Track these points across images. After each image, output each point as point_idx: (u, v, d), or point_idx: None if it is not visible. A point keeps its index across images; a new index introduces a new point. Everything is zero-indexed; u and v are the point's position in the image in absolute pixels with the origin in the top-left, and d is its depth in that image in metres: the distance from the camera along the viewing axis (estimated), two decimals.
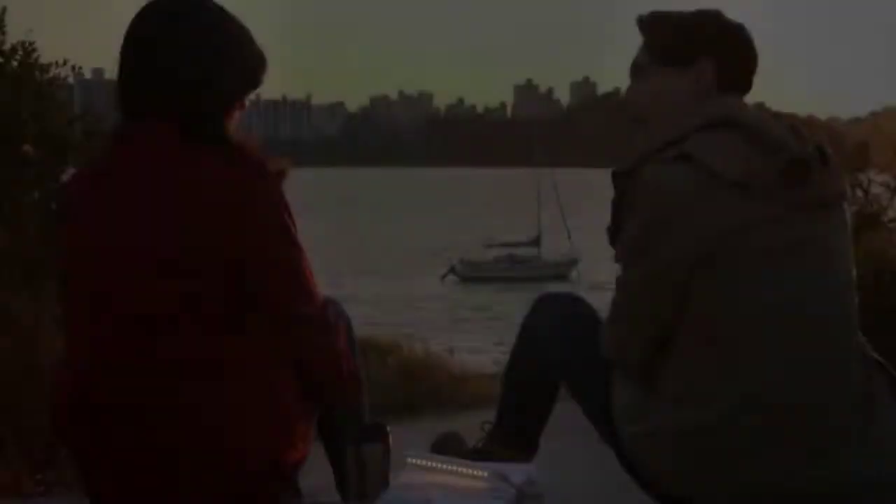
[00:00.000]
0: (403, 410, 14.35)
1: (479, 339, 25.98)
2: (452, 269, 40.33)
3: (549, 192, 44.53)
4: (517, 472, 2.75)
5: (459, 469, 2.77)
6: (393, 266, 45.48)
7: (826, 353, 2.60)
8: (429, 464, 2.81)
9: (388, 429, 2.88)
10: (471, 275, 39.75)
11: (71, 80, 8.80)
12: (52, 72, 7.85)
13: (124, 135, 2.61)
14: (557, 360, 3.01)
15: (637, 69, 2.81)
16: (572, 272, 40.07)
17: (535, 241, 42.24)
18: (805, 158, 2.59)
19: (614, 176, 2.70)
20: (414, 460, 2.83)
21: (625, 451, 2.75)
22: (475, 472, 2.73)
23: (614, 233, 2.70)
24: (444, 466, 2.79)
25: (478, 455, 3.20)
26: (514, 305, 30.79)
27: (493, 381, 16.12)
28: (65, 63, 7.97)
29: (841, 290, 2.66)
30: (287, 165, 2.62)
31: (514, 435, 3.19)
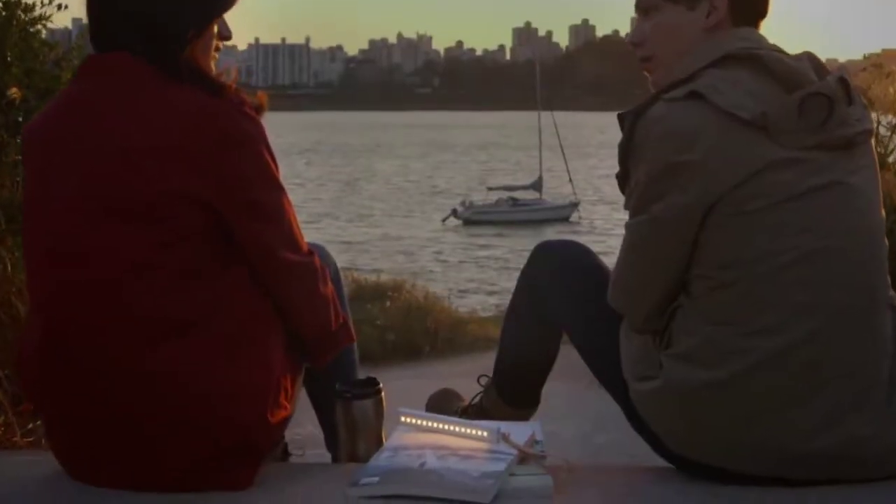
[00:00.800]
0: (403, 353, 14.35)
1: (479, 282, 26.02)
2: (454, 212, 40.29)
3: (550, 135, 44.32)
4: (519, 430, 2.56)
5: (456, 428, 2.58)
6: (393, 209, 45.37)
7: (855, 304, 2.39)
8: (423, 422, 2.62)
9: (381, 384, 2.73)
10: (472, 218, 39.72)
11: (69, 24, 8.68)
12: (38, 10, 7.72)
13: (91, 67, 2.43)
14: (559, 311, 2.84)
15: (644, 6, 2.60)
16: (573, 215, 40.08)
17: (537, 184, 42.24)
18: (828, 94, 2.38)
19: (621, 118, 2.51)
20: (407, 418, 2.64)
21: (632, 409, 2.58)
22: (474, 432, 2.54)
23: (623, 178, 2.51)
24: (440, 426, 2.59)
25: (475, 412, 3.09)
26: (515, 248, 30.80)
27: (493, 323, 16.12)
28: (50, 2, 7.83)
29: (870, 235, 2.44)
30: (265, 101, 2.46)
31: (513, 390, 3.06)
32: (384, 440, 2.70)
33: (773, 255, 2.36)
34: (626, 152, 2.48)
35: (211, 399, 2.36)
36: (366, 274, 19.01)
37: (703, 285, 2.42)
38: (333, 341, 2.63)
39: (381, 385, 2.75)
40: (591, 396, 3.73)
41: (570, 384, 4.17)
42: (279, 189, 2.45)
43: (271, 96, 2.56)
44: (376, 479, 2.36)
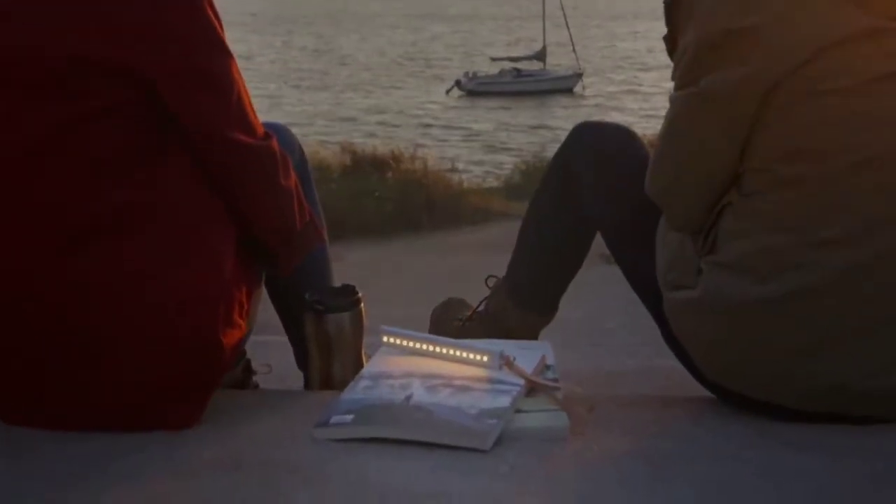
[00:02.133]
0: (402, 225, 14.06)
1: (481, 153, 25.54)
2: (457, 83, 39.67)
3: (554, 6, 43.41)
4: (526, 353, 2.11)
5: (450, 351, 2.11)
6: (395, 79, 44.62)
7: None
8: (410, 343, 2.15)
9: (360, 293, 2.27)
10: (476, 89, 39.11)
11: None
12: None
13: None
14: (595, 204, 2.38)
15: None
16: (577, 85, 39.49)
17: (541, 55, 41.61)
18: None
19: None
20: (391, 338, 2.17)
21: (667, 327, 2.13)
22: (471, 356, 2.08)
23: (671, 42, 2.06)
24: (430, 347, 2.13)
25: (481, 320, 2.65)
26: (518, 119, 30.27)
27: (494, 195, 15.79)
28: None
29: None
30: None
31: (530, 293, 2.59)
32: (364, 361, 2.26)
33: (847, 151, 1.89)
34: (674, 10, 2.01)
35: (146, 318, 1.91)
36: (365, 144, 18.57)
37: (760, 180, 1.94)
38: (299, 244, 2.16)
39: (359, 294, 2.28)
40: (597, 273, 3.25)
41: None
42: (226, 54, 1.96)
43: None
44: (350, 417, 1.92)
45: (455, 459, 1.82)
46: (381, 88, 41.18)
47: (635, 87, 38.90)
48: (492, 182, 18.45)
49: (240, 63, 2.05)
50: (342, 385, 2.13)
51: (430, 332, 2.79)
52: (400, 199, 14.69)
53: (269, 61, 48.19)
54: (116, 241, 1.90)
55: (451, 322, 2.73)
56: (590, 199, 2.39)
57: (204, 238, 1.96)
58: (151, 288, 1.91)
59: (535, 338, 2.64)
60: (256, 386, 2.47)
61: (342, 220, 13.44)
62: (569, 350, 2.79)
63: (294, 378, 2.52)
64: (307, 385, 2.33)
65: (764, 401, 2.00)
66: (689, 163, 2.02)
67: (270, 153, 2.04)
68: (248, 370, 2.44)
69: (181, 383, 1.94)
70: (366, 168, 15.91)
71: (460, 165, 21.33)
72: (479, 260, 9.10)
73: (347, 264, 10.27)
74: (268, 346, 2.65)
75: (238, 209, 2.03)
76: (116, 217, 1.90)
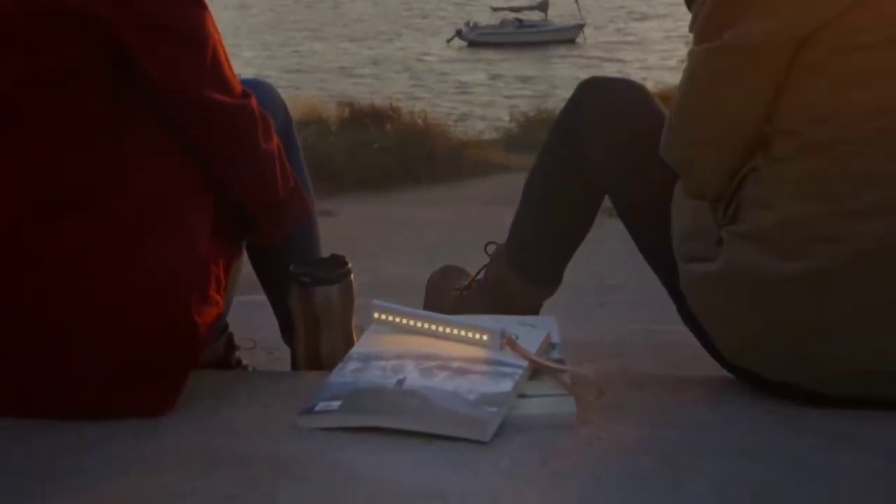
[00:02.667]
0: (401, 178, 13.91)
1: (481, 105, 25.28)
2: (458, 34, 39.31)
3: None
4: (531, 332, 1.94)
5: (447, 329, 1.94)
6: (395, 29, 44.22)
7: None
8: (403, 320, 1.97)
9: (349, 264, 2.09)
10: (477, 39, 38.75)
11: None
12: None
13: None
14: (603, 167, 2.18)
15: None
16: (579, 36, 39.14)
17: (543, 5, 41.26)
18: None
19: None
20: (383, 314, 2.00)
21: (684, 299, 1.96)
22: (470, 334, 1.91)
23: None
24: (425, 325, 1.95)
25: (480, 289, 2.47)
26: (520, 71, 29.95)
27: (494, 147, 15.61)
28: None
29: None
30: None
31: (532, 262, 2.40)
32: (355, 338, 2.09)
33: (886, 111, 1.72)
34: None
35: (112, 298, 1.74)
36: (363, 95, 18.37)
37: (789, 144, 1.77)
38: (283, 214, 1.99)
39: (349, 265, 2.11)
40: (597, 227, 3.07)
41: None
42: (199, 6, 1.78)
43: None
44: (337, 403, 1.75)
45: (452, 452, 1.66)
46: (380, 39, 40.83)
47: (634, 37, 38.56)
48: (492, 134, 18.27)
49: (234, 14, 1.87)
50: (331, 363, 1.97)
51: (426, 300, 2.62)
52: (399, 151, 14.54)
53: (267, 9, 47.69)
54: (82, 215, 1.73)
55: (448, 291, 2.57)
56: (598, 164, 2.21)
57: (176, 209, 1.79)
58: (117, 265, 1.74)
59: (539, 309, 2.47)
60: (239, 362, 2.30)
61: (341, 174, 13.32)
62: (571, 310, 2.62)
63: (282, 350, 2.36)
64: (294, 364, 2.16)
65: (785, 382, 1.84)
66: (709, 124, 1.84)
67: (249, 114, 1.86)
68: (231, 345, 2.27)
69: (151, 367, 1.77)
70: (365, 120, 15.73)
71: (460, 117, 21.13)
72: (480, 213, 8.95)
73: (346, 218, 10.14)
74: (254, 308, 2.48)
75: (213, 174, 1.86)
76: (82, 188, 1.73)
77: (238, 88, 1.85)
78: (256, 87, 2.02)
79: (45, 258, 1.73)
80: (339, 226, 9.54)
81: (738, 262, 1.81)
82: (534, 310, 2.44)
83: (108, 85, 1.73)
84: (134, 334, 1.75)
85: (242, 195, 1.91)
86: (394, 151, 14.60)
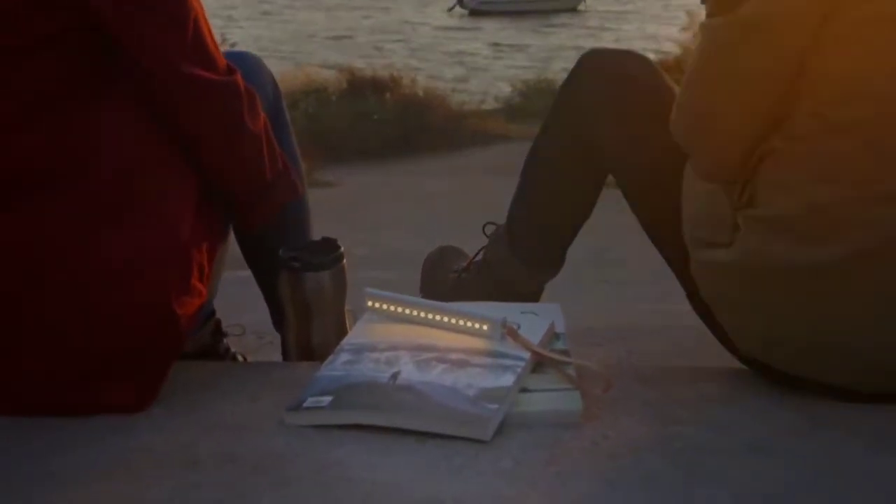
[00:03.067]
0: (400, 147, 13.80)
1: (481, 74, 25.08)
2: (459, 2, 39.03)
3: None
4: (533, 321, 1.82)
5: (444, 318, 1.82)
6: None
7: None
8: (398, 309, 1.85)
9: (342, 248, 1.97)
10: (479, 7, 38.46)
11: None
12: None
13: None
14: (607, 145, 2.07)
15: None
16: (580, 4, 38.85)
17: None
18: None
19: None
20: (376, 302, 1.87)
21: (695, 288, 1.84)
22: (469, 324, 1.79)
23: None
24: (421, 314, 1.83)
25: (478, 272, 2.36)
26: (521, 40, 29.70)
27: (493, 117, 15.50)
28: None
29: None
30: None
31: (533, 245, 2.28)
32: (348, 326, 1.98)
33: None
34: None
35: (83, 286, 1.62)
36: (361, 64, 18.18)
37: (812, 124, 1.64)
38: (270, 197, 1.88)
39: (342, 249, 1.99)
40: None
41: None
42: None
43: None
44: (327, 399, 1.64)
45: (450, 452, 1.55)
46: (378, 8, 40.54)
47: (635, 5, 38.26)
48: (492, 104, 18.11)
49: None
50: (323, 353, 1.86)
51: (423, 281, 2.50)
52: (399, 121, 14.42)
53: None
54: (49, 195, 1.62)
55: (445, 273, 2.45)
56: (602, 141, 2.09)
57: (153, 191, 1.67)
58: (88, 250, 1.63)
59: (540, 292, 2.36)
60: (227, 350, 2.19)
61: (341, 144, 13.21)
62: (571, 289, 2.51)
63: (274, 334, 2.25)
64: (284, 353, 2.05)
65: (805, 376, 1.74)
66: (724, 101, 1.71)
67: (234, 90, 1.74)
68: (219, 333, 2.16)
69: (128, 361, 1.66)
70: (364, 90, 15.58)
71: (460, 87, 20.94)
72: (480, 183, 8.84)
73: (346, 189, 10.03)
74: (243, 285, 2.36)
75: (195, 155, 1.74)
76: (49, 167, 1.62)
77: (222, 63, 1.73)
78: (242, 60, 1.90)
79: (6, 241, 1.61)
80: (339, 197, 9.45)
81: (757, 248, 1.69)
82: (535, 293, 2.33)
83: (79, 59, 1.62)
84: (105, 327, 1.63)
85: (226, 178, 1.80)
86: (393, 122, 14.49)
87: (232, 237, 2.01)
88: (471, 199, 7.40)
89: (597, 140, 2.10)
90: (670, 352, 2.53)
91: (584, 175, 2.19)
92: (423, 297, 2.48)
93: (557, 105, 2.21)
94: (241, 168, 1.80)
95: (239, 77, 1.75)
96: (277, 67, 11.27)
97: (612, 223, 4.46)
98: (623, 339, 2.67)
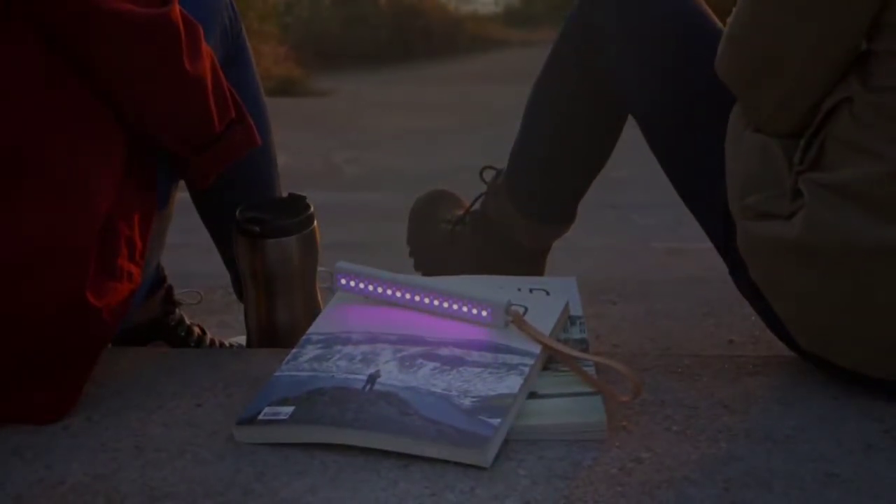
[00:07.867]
0: (396, 53, 13.41)
1: None
2: None
3: None
4: (543, 302, 1.49)
5: (434, 301, 1.47)
6: None
7: None
8: (375, 288, 1.50)
9: (312, 207, 1.63)
10: None
11: None
12: None
13: None
14: (629, 81, 1.68)
15: None
16: None
17: None
18: None
19: None
20: (351, 280, 1.51)
21: (740, 266, 1.49)
22: (465, 308, 1.45)
23: None
24: (404, 294, 1.48)
25: (476, 225, 2.02)
26: None
27: (493, 22, 15.11)
28: None
29: None
30: None
31: (539, 198, 1.94)
32: (321, 302, 1.64)
33: None
34: None
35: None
36: None
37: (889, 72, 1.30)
38: (219, 150, 1.51)
39: (312, 209, 1.64)
40: None
41: None
42: None
43: None
44: (287, 410, 1.31)
45: (441, 481, 1.22)
46: None
47: None
48: (490, 7, 17.64)
49: None
50: (290, 337, 1.53)
51: (410, 233, 2.15)
52: (394, 25, 14.00)
53: None
54: None
55: (437, 223, 2.11)
56: (623, 73, 1.71)
57: (58, 156, 1.31)
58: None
59: (547, 251, 2.02)
60: (181, 321, 1.85)
61: (334, 49, 12.81)
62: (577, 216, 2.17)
63: (236, 309, 1.93)
64: (248, 337, 1.70)
65: (883, 378, 1.40)
66: (789, 33, 1.35)
67: (168, 26, 1.37)
68: (170, 301, 1.82)
69: (35, 368, 1.32)
70: None
71: None
72: (479, 90, 8.46)
73: (340, 97, 9.66)
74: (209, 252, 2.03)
75: (122, 111, 1.38)
76: None
77: None
78: None
79: None
80: (333, 108, 9.08)
81: (823, 222, 1.34)
82: (541, 251, 2.00)
83: None
84: (9, 323, 1.29)
85: (162, 134, 1.44)
86: (389, 26, 14.07)
87: (184, 196, 1.66)
88: (470, 110, 7.09)
89: (614, 72, 1.73)
90: (697, 312, 2.22)
91: (598, 116, 1.83)
92: (410, 249, 2.14)
93: (567, 29, 1.84)
94: (178, 120, 1.43)
95: (175, 9, 1.37)
96: None
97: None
98: (642, 294, 2.35)
